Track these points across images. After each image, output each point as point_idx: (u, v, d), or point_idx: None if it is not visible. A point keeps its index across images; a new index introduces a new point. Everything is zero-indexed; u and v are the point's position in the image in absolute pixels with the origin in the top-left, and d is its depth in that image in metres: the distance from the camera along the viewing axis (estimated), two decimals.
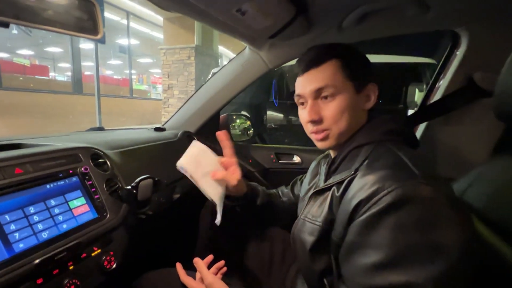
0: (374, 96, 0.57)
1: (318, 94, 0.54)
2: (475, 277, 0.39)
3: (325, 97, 0.54)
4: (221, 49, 8.39)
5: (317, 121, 0.55)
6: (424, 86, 2.32)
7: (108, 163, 0.69)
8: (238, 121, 1.74)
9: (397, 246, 0.39)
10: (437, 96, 1.00)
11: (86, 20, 0.48)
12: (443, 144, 1.00)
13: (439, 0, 0.71)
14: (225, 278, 0.64)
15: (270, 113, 2.70)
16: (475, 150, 0.96)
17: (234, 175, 0.68)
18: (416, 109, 1.09)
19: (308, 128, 0.58)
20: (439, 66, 1.04)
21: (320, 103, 0.55)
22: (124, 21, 7.42)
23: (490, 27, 0.83)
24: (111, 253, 0.58)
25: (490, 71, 0.85)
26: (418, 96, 2.36)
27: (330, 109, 0.54)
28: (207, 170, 0.66)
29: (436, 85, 1.05)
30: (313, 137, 0.58)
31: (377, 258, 0.40)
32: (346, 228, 0.46)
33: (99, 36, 0.50)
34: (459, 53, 0.92)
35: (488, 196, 0.55)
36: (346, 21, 0.81)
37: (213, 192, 0.65)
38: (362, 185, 0.44)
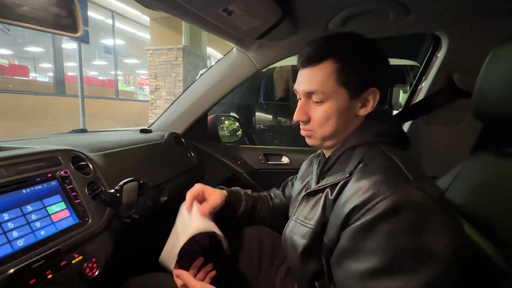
0: (374, 101, 0.52)
1: (309, 95, 0.53)
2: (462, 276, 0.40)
3: (315, 101, 0.53)
4: (210, 50, 8.34)
5: (303, 122, 0.55)
6: (408, 87, 2.40)
7: (90, 166, 0.66)
8: (226, 122, 1.73)
9: (391, 252, 0.39)
10: (420, 97, 1.03)
11: (65, 17, 0.46)
12: (426, 143, 1.03)
13: (420, 4, 0.73)
14: (214, 281, 0.63)
15: (259, 114, 2.70)
16: (456, 148, 0.99)
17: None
18: (400, 109, 1.12)
19: (300, 125, 0.58)
20: (421, 67, 1.08)
21: (311, 103, 0.54)
22: (109, 21, 7.24)
23: (468, 30, 0.87)
24: (93, 259, 0.56)
25: (469, 73, 0.88)
26: (402, 97, 2.44)
27: (317, 113, 0.53)
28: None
29: (419, 86, 1.08)
30: (301, 132, 0.58)
31: (371, 264, 0.40)
32: (339, 233, 0.45)
33: (78, 34, 0.49)
34: (440, 55, 0.95)
35: (469, 193, 0.57)
36: (332, 23, 0.83)
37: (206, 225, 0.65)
38: (357, 189, 0.44)
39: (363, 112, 0.53)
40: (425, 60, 1.05)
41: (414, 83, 1.11)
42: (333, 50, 0.51)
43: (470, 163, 0.61)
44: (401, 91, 2.51)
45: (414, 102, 1.05)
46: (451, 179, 0.63)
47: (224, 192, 0.74)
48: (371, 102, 0.52)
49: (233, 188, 0.80)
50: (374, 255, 0.40)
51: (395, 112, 1.11)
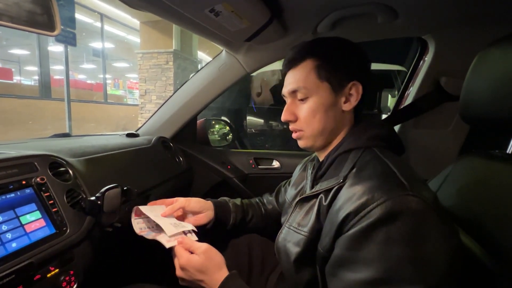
0: (357, 95, 0.53)
1: (294, 95, 0.55)
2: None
3: (301, 99, 0.54)
4: (201, 55, 8.32)
5: (291, 121, 0.56)
6: (396, 92, 2.44)
7: (70, 172, 0.63)
8: (217, 126, 1.71)
9: (387, 261, 0.38)
10: (408, 100, 1.04)
11: (40, 14, 0.43)
12: (414, 146, 1.04)
13: (407, 7, 0.74)
14: None
15: (250, 118, 2.69)
16: (444, 151, 1.00)
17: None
18: (389, 113, 1.13)
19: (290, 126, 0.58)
20: (409, 72, 1.09)
21: (297, 103, 0.55)
22: (98, 24, 7.13)
23: (455, 34, 0.88)
24: (71, 272, 0.53)
25: (456, 76, 0.90)
26: (390, 101, 2.48)
27: (303, 110, 0.54)
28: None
29: (407, 90, 1.09)
30: (292, 135, 0.58)
31: (367, 274, 0.38)
32: (334, 241, 0.44)
33: (56, 33, 0.46)
34: (427, 59, 0.97)
35: (458, 196, 0.57)
36: (321, 26, 0.83)
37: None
38: (351, 195, 0.43)
39: (348, 107, 0.54)
40: (413, 63, 1.06)
41: (402, 87, 1.13)
42: (311, 50, 0.54)
43: (459, 166, 0.61)
44: (389, 95, 2.56)
45: (403, 106, 1.06)
46: (440, 182, 0.63)
47: (210, 211, 0.72)
48: (355, 96, 0.53)
49: (221, 199, 0.78)
50: (371, 265, 0.38)
51: (384, 116, 1.12)
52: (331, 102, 0.53)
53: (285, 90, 0.57)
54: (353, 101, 0.53)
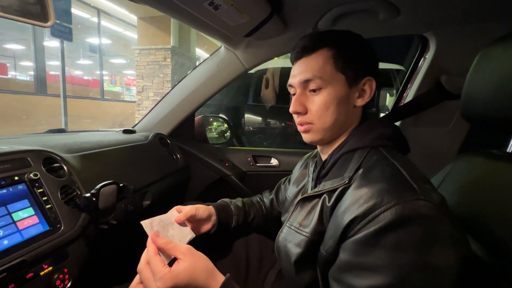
0: (370, 91, 0.51)
1: (306, 85, 0.51)
2: None
3: (313, 90, 0.51)
4: (199, 51, 8.27)
5: (301, 113, 0.52)
6: (394, 91, 2.44)
7: (65, 168, 0.61)
8: (215, 123, 1.69)
9: (396, 268, 0.36)
10: (408, 99, 1.04)
11: (32, 4, 0.42)
12: (413, 144, 1.03)
13: (409, 4, 0.73)
14: None
15: (248, 116, 2.68)
16: (443, 150, 1.00)
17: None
18: (387, 112, 1.12)
19: (295, 119, 0.54)
20: (409, 69, 1.08)
21: (308, 94, 0.52)
22: (95, 19, 7.05)
23: (457, 32, 0.88)
24: (65, 270, 0.52)
25: (457, 75, 0.89)
26: (389, 100, 2.48)
27: (315, 102, 0.50)
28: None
29: (407, 88, 1.09)
30: (298, 128, 0.55)
31: (374, 281, 0.37)
32: (338, 245, 0.42)
33: (49, 24, 0.44)
34: (428, 57, 0.96)
35: (458, 195, 0.56)
36: (321, 22, 0.82)
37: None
38: (357, 198, 0.41)
39: (360, 102, 0.52)
40: (413, 62, 1.06)
41: (402, 85, 1.12)
42: (327, 39, 0.51)
43: (458, 165, 0.61)
44: (387, 94, 2.56)
45: (402, 104, 1.05)
46: (440, 180, 0.62)
47: (214, 216, 0.69)
48: (368, 92, 0.52)
49: (222, 202, 0.76)
50: (378, 271, 0.37)
51: (382, 115, 1.11)
52: (345, 96, 0.50)
53: (294, 80, 0.52)
54: (366, 97, 0.52)
